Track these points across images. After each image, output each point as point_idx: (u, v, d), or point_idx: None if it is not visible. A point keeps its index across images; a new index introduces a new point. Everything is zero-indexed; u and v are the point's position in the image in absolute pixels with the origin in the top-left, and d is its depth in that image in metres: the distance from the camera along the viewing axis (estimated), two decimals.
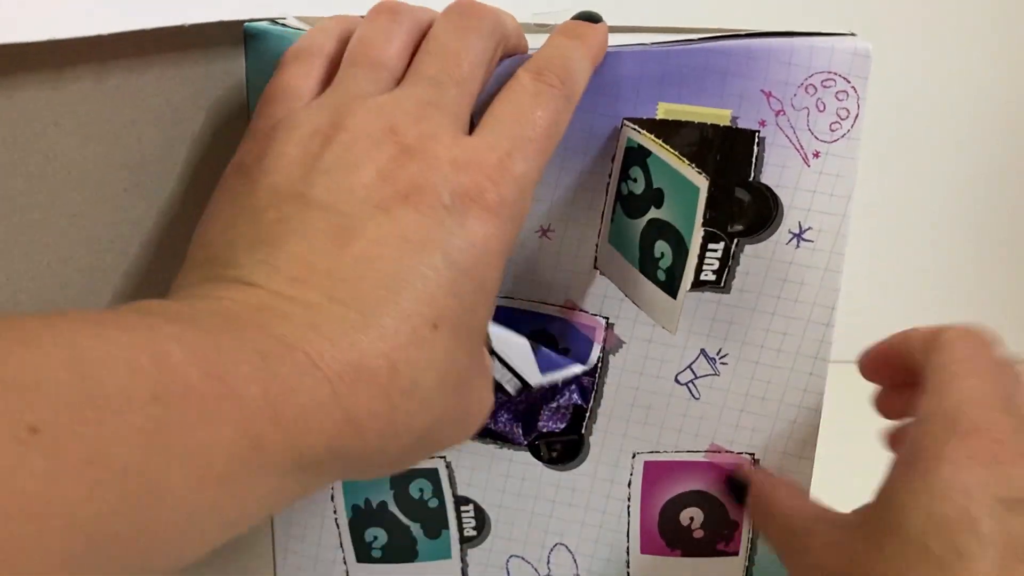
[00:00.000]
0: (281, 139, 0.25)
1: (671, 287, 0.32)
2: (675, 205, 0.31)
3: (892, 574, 0.26)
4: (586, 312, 0.36)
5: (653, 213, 0.32)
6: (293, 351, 0.20)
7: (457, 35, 0.28)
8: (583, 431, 0.37)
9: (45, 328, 0.17)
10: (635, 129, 0.32)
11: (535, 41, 0.33)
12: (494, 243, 0.24)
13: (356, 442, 0.21)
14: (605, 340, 0.36)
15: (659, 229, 0.32)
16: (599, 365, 0.37)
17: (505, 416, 0.37)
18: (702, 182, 0.30)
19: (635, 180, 0.33)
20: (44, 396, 0.16)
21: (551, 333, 0.36)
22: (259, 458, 0.19)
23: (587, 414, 0.37)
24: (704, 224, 0.33)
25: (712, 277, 0.35)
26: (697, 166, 0.32)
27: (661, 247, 0.32)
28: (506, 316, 0.36)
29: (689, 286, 0.32)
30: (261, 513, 0.20)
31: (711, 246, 0.34)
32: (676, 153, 0.31)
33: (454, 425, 0.25)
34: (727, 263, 0.34)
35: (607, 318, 0.36)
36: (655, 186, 0.32)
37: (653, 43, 0.32)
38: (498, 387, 0.32)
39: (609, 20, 0.36)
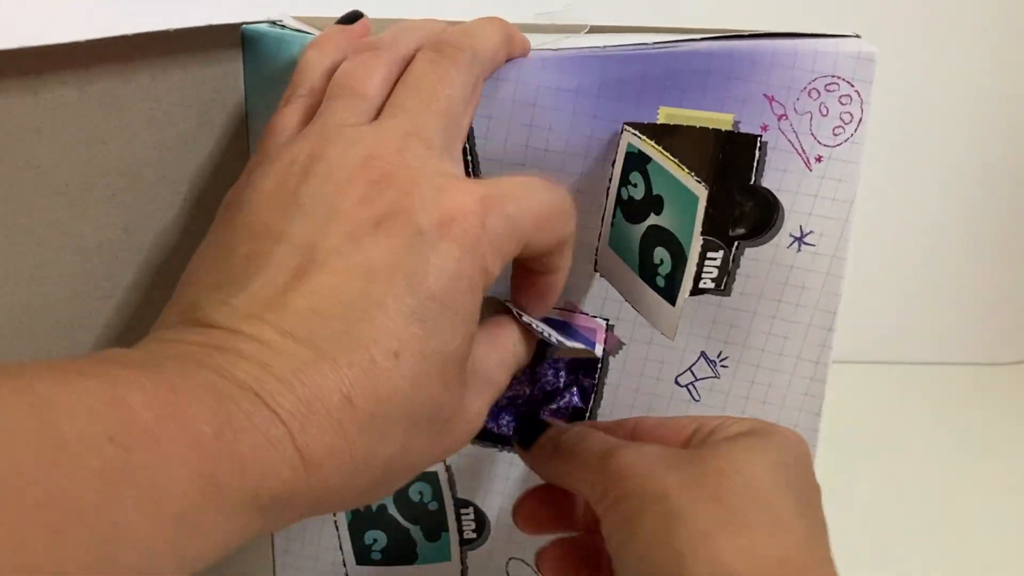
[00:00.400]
0: (259, 174, 0.25)
1: (670, 294, 0.32)
2: (674, 213, 0.31)
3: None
4: (586, 314, 0.36)
5: (653, 219, 0.32)
6: (244, 391, 0.20)
7: (434, 67, 0.28)
8: None
9: (5, 376, 0.17)
10: (635, 135, 0.32)
11: (537, 40, 0.33)
12: (467, 267, 0.24)
13: (317, 480, 0.21)
14: (605, 342, 0.36)
15: (659, 236, 0.32)
16: (600, 366, 0.37)
17: (506, 419, 0.37)
18: (701, 191, 0.30)
19: (635, 186, 0.33)
20: (2, 439, 0.16)
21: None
22: (216, 498, 0.19)
23: (587, 415, 0.37)
24: (705, 230, 0.33)
25: (711, 285, 0.35)
26: (698, 171, 0.32)
27: (660, 254, 0.32)
28: None
29: (688, 294, 0.32)
30: (221, 551, 0.20)
31: (710, 255, 0.34)
32: (676, 161, 0.31)
33: (431, 447, 0.25)
34: (727, 268, 0.34)
35: (607, 320, 0.36)
36: (655, 193, 0.32)
37: (655, 43, 0.32)
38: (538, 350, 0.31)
39: (610, 20, 0.36)
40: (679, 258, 0.31)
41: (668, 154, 0.31)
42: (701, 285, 0.34)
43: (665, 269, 0.32)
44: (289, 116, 0.28)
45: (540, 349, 0.35)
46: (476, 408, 0.27)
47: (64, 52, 0.24)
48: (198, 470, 0.19)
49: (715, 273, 0.34)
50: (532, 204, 0.26)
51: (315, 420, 0.21)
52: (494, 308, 0.30)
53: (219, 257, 0.24)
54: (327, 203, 0.24)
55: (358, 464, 0.22)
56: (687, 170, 0.31)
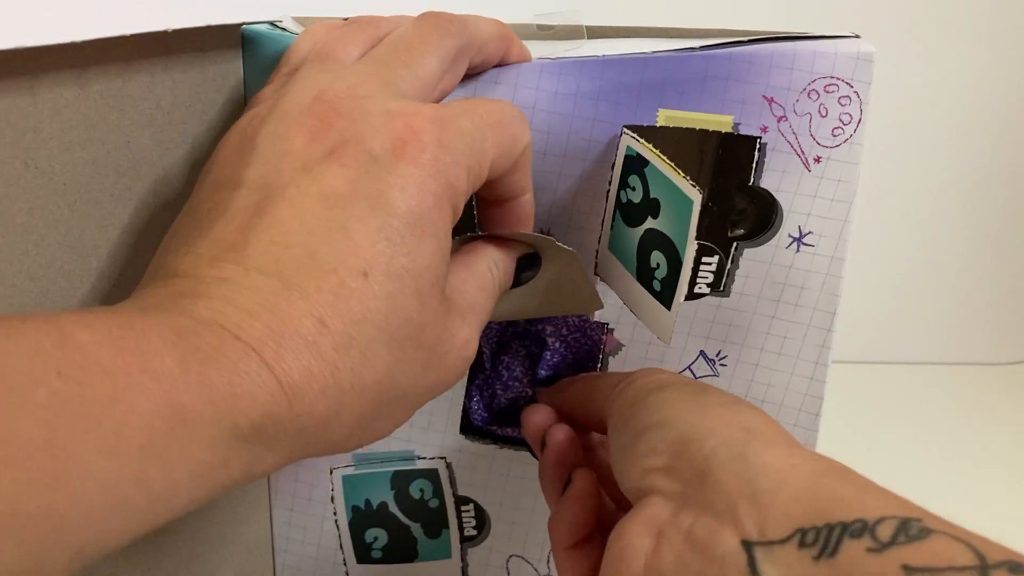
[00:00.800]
0: (227, 136, 0.26)
1: (666, 298, 0.32)
2: (670, 217, 0.31)
3: None
4: (587, 316, 0.36)
5: (650, 223, 0.32)
6: (208, 326, 0.20)
7: (416, 28, 0.28)
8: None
9: None
10: (634, 138, 0.32)
11: (537, 48, 0.33)
12: (430, 184, 0.23)
13: (300, 407, 0.21)
14: (605, 343, 0.36)
15: (655, 240, 0.32)
16: (599, 367, 0.37)
17: (510, 430, 0.38)
18: (696, 195, 0.30)
19: (633, 188, 0.33)
20: None
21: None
22: (184, 429, 0.19)
23: None
24: (703, 232, 0.33)
25: (706, 290, 0.35)
26: (697, 173, 0.32)
27: (657, 258, 0.32)
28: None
29: (683, 299, 0.32)
30: (203, 487, 0.20)
31: (705, 259, 0.34)
32: (672, 165, 0.31)
33: (423, 372, 0.24)
34: (723, 273, 0.34)
35: (607, 323, 0.36)
36: (652, 196, 0.32)
37: (654, 52, 0.32)
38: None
39: (610, 21, 0.36)
40: (675, 262, 0.31)
41: (665, 158, 0.31)
42: (696, 290, 0.35)
43: (661, 273, 0.32)
44: (267, 92, 0.28)
45: (537, 339, 0.35)
46: (464, 335, 0.26)
47: (63, 52, 0.24)
48: (161, 400, 0.18)
49: (711, 278, 0.34)
50: (484, 115, 0.26)
51: (289, 345, 0.20)
52: (467, 241, 0.30)
53: (186, 216, 0.24)
54: (279, 143, 0.24)
55: (343, 387, 0.21)
56: (683, 174, 0.31)
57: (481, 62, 0.31)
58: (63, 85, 0.25)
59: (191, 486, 0.19)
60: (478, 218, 0.30)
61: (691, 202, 0.30)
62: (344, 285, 0.22)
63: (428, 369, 0.25)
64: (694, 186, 0.30)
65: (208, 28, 0.29)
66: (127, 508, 0.18)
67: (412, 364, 0.24)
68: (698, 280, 0.34)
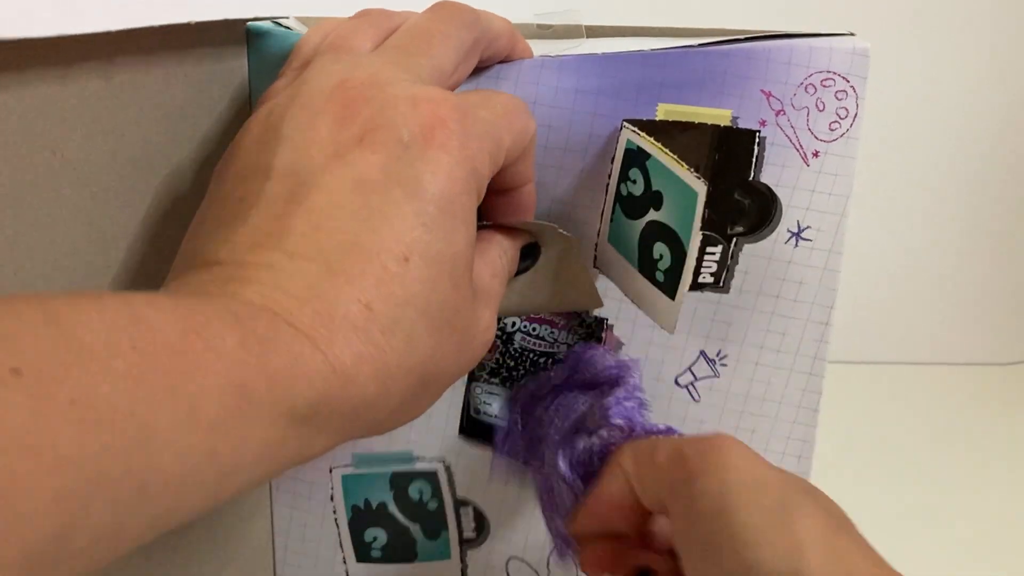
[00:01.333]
0: (246, 127, 0.26)
1: (670, 288, 0.32)
2: (674, 208, 0.31)
3: None
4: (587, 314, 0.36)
5: (652, 215, 0.32)
6: (262, 311, 0.20)
7: (432, 16, 0.28)
8: None
9: (15, 297, 0.17)
10: (634, 131, 0.32)
11: (538, 47, 0.33)
12: (459, 171, 0.24)
13: (353, 389, 0.21)
14: (605, 341, 0.36)
15: (658, 231, 0.32)
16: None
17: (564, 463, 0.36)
18: (700, 187, 0.30)
19: (634, 182, 0.33)
20: (23, 343, 0.16)
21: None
22: (249, 407, 0.19)
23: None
24: (704, 226, 0.33)
25: (710, 279, 0.35)
26: (697, 167, 0.32)
27: (660, 249, 0.32)
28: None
29: (688, 288, 0.32)
30: (263, 465, 0.20)
31: (709, 249, 0.34)
32: (675, 157, 0.31)
33: (457, 355, 0.25)
34: (726, 263, 0.34)
35: (606, 319, 0.36)
36: (654, 188, 0.32)
37: (652, 50, 0.32)
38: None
39: (609, 21, 0.36)
40: (679, 253, 0.32)
41: (667, 150, 0.32)
42: (700, 280, 0.35)
43: (665, 264, 0.32)
44: (280, 85, 0.28)
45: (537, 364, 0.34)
46: (487, 319, 0.27)
47: (92, 42, 0.25)
48: (227, 379, 0.19)
49: (714, 267, 0.34)
50: (498, 105, 0.26)
51: (339, 331, 0.21)
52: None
53: (214, 207, 0.24)
54: (306, 132, 0.24)
55: (391, 370, 0.22)
56: (686, 166, 0.31)
57: (489, 56, 0.31)
58: (90, 75, 0.25)
59: (254, 464, 0.20)
60: (482, 207, 0.30)
61: (695, 193, 0.30)
62: (387, 270, 0.22)
63: (461, 351, 0.25)
64: (698, 178, 0.30)
65: (215, 24, 0.30)
66: (199, 480, 0.18)
67: (449, 346, 0.24)
68: (702, 270, 0.34)
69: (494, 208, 0.30)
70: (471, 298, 0.25)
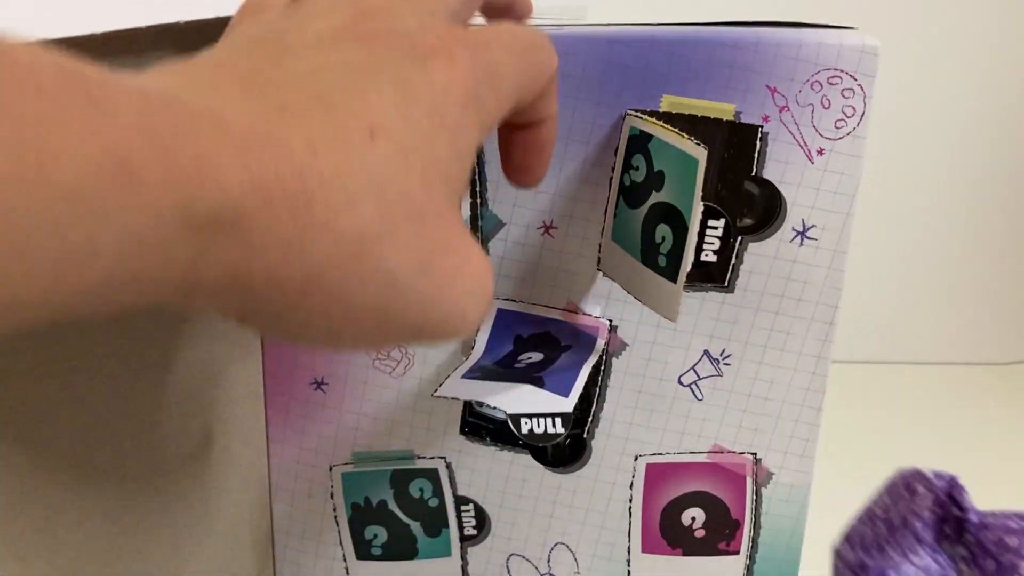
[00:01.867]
0: (227, 35, 0.25)
1: (672, 271, 0.32)
2: (675, 183, 0.31)
3: None
4: (588, 315, 0.36)
5: (654, 198, 0.32)
6: (186, 105, 0.17)
7: None
8: (585, 435, 0.37)
9: None
10: (637, 116, 0.32)
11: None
12: (458, 83, 0.22)
13: (265, 216, 0.18)
14: (608, 342, 0.36)
15: (660, 213, 0.32)
16: (602, 367, 0.36)
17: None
18: (701, 153, 0.30)
19: (637, 168, 0.32)
20: None
21: (554, 336, 0.36)
22: (128, 186, 0.16)
23: (589, 418, 0.37)
24: (711, 214, 0.33)
25: (713, 258, 0.34)
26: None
27: (662, 231, 0.32)
28: (509, 319, 0.36)
29: (689, 266, 0.31)
30: (132, 261, 0.17)
31: (711, 223, 0.34)
32: (675, 130, 0.31)
33: (419, 274, 0.21)
34: (728, 242, 0.34)
35: (610, 320, 0.36)
36: (656, 169, 0.32)
37: (659, 23, 0.32)
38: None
39: (613, 18, 0.36)
40: (681, 231, 0.31)
41: (668, 126, 0.31)
42: (703, 258, 0.34)
43: (666, 246, 0.32)
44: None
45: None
46: (480, 266, 0.23)
47: (89, 43, 0.24)
48: (102, 142, 0.15)
49: (717, 244, 0.34)
50: (511, 41, 0.25)
51: (271, 152, 0.18)
52: None
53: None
54: (311, 21, 0.23)
55: (316, 217, 0.18)
56: (687, 136, 0.30)
57: (489, 3, 0.30)
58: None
59: (116, 254, 0.16)
60: (501, 143, 0.29)
61: (696, 160, 0.30)
62: (346, 130, 0.19)
63: (425, 275, 0.21)
64: (698, 144, 0.30)
65: (213, 23, 0.29)
66: (37, 258, 0.15)
67: (405, 250, 0.21)
68: (704, 246, 0.34)
69: (514, 144, 0.29)
70: (449, 220, 0.22)
